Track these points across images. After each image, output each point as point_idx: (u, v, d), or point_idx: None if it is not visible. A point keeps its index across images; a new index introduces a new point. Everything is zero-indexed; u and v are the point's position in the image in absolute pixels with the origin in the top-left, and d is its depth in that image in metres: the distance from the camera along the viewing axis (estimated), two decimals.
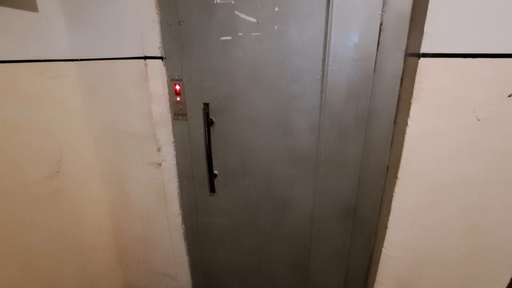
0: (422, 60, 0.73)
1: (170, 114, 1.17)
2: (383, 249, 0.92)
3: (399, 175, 0.83)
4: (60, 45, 1.11)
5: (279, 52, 0.94)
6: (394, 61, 0.85)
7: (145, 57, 1.04)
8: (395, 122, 0.89)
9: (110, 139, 1.21)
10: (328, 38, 0.87)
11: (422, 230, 0.86)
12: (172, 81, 1.13)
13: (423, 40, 0.72)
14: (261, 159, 1.10)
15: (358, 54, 0.86)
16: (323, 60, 0.90)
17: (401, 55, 0.84)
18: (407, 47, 0.82)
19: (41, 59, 1.05)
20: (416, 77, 0.74)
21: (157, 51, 1.08)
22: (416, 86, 0.75)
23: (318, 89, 0.93)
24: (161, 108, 1.13)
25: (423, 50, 0.73)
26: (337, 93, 0.91)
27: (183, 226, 1.33)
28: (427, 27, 0.71)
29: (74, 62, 1.14)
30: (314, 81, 0.93)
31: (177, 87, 1.13)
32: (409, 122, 0.78)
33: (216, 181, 1.19)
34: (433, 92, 0.74)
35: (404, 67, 0.84)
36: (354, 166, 0.97)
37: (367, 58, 0.86)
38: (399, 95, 0.87)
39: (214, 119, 1.11)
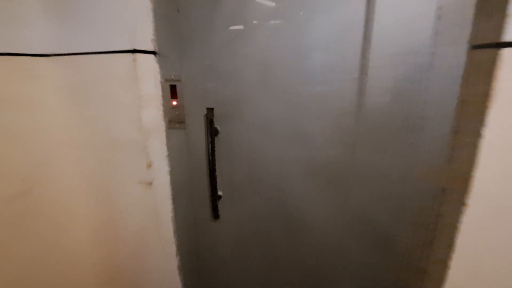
0: (506, 51, 0.55)
1: (164, 122, 0.95)
2: None
3: (469, 201, 0.63)
4: (35, 38, 0.89)
5: (303, 45, 0.76)
6: (455, 54, 0.67)
7: (134, 51, 0.83)
8: (455, 132, 0.70)
9: (93, 151, 0.98)
10: (369, 27, 0.69)
11: (498, 276, 0.66)
12: (167, 81, 0.92)
13: (506, 26, 0.55)
14: (276, 175, 0.89)
15: (407, 46, 0.68)
16: (362, 54, 0.71)
17: (463, 47, 0.66)
18: (472, 38, 0.65)
19: (13, 53, 0.83)
20: (497, 73, 0.56)
21: (149, 44, 0.88)
22: (497, 84, 0.57)
23: (353, 91, 0.74)
24: (154, 114, 0.92)
25: (507, 38, 0.55)
26: (378, 96, 0.72)
27: (178, 256, 1.09)
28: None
29: (51, 57, 0.92)
30: (348, 80, 0.74)
31: (174, 88, 0.92)
32: (485, 132, 0.59)
33: (220, 204, 0.97)
34: None
35: (469, 62, 0.66)
36: (396, 185, 0.78)
37: (419, 51, 0.68)
38: (461, 98, 0.69)
39: (218, 128, 0.91)
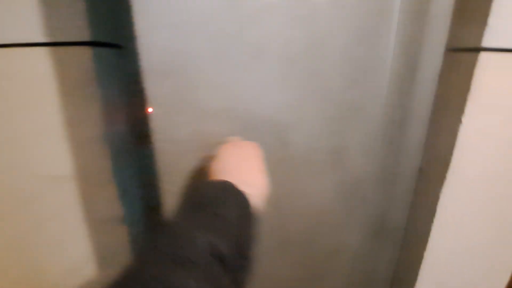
0: (483, 54, 0.68)
1: None
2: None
3: (447, 177, 0.77)
4: None
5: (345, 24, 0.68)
6: (434, 56, 0.78)
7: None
8: (432, 122, 0.83)
9: None
10: None
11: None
12: None
13: (484, 33, 0.67)
14: (302, 218, 0.84)
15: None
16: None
17: (441, 49, 0.78)
18: (450, 41, 0.77)
19: None
20: (475, 72, 0.69)
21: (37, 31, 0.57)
22: (474, 81, 0.70)
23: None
24: None
25: (484, 44, 0.68)
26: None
27: None
28: (491, 20, 0.66)
29: None
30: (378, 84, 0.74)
31: None
32: (463, 120, 0.72)
33: None
34: (494, 89, 0.70)
35: (450, 63, 0.77)
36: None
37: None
38: (439, 93, 0.81)
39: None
